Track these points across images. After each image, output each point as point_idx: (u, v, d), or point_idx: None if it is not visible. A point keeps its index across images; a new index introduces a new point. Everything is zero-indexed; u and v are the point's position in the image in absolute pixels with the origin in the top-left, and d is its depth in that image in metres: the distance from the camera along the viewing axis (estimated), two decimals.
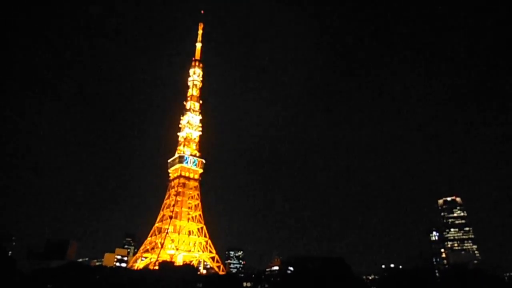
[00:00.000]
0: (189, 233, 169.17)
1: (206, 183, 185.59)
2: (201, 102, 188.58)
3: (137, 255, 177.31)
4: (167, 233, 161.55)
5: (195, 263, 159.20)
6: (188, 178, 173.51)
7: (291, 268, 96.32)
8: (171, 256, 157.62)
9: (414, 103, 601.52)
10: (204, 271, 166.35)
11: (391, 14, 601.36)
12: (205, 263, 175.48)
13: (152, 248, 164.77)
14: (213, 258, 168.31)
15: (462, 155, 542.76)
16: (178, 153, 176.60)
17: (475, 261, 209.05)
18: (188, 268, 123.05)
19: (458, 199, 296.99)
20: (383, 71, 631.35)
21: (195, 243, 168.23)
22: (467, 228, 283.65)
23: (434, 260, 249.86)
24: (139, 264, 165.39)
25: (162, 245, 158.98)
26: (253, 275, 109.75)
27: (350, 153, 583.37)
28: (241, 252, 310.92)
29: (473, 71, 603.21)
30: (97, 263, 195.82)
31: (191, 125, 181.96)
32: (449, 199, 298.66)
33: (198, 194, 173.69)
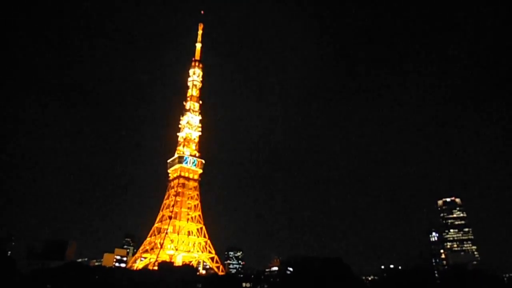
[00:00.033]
0: (189, 233, 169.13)
1: (206, 184, 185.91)
2: (201, 102, 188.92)
3: (137, 255, 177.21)
4: (166, 233, 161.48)
5: (194, 263, 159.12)
6: (187, 179, 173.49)
7: (291, 269, 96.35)
8: (171, 256, 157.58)
9: (414, 103, 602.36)
10: (204, 272, 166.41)
11: (391, 14, 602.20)
12: (205, 263, 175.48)
13: (152, 249, 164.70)
14: (212, 259, 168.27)
15: (462, 155, 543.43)
16: (177, 154, 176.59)
17: (475, 262, 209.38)
18: (188, 269, 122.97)
19: (457, 199, 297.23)
20: (383, 71, 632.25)
21: (194, 243, 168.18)
22: (466, 229, 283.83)
23: (433, 260, 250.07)
24: (139, 265, 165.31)
25: (161, 245, 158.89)
26: (252, 276, 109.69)
27: (350, 153, 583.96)
28: (241, 252, 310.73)
29: (473, 71, 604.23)
30: (97, 263, 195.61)
31: (190, 125, 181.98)
32: (448, 199, 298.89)
33: (197, 195, 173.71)
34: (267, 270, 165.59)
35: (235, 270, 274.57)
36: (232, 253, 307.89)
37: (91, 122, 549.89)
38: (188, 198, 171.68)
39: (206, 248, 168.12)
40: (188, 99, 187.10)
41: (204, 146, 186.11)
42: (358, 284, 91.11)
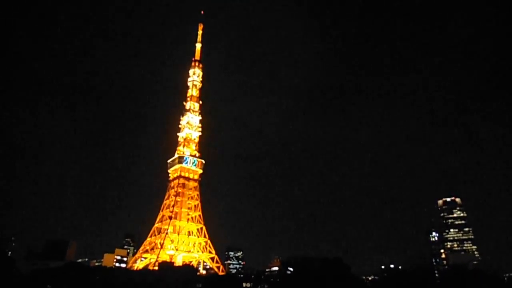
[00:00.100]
0: (189, 233, 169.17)
1: (206, 184, 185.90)
2: (201, 102, 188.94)
3: (137, 255, 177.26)
4: (166, 233, 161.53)
5: (194, 263, 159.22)
6: (187, 179, 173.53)
7: (291, 269, 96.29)
8: (171, 256, 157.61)
9: (414, 103, 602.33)
10: (204, 272, 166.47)
11: (391, 14, 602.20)
12: (205, 263, 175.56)
13: (152, 249, 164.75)
14: (212, 259, 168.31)
15: (462, 155, 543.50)
16: (177, 154, 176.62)
17: (475, 262, 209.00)
18: (188, 269, 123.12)
19: (457, 199, 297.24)
20: (383, 70, 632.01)
21: (194, 243, 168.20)
22: (466, 229, 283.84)
23: (433, 260, 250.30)
24: (139, 265, 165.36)
25: (161, 245, 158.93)
26: (252, 276, 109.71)
27: (350, 154, 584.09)
28: (241, 252, 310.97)
29: (473, 71, 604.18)
30: (97, 264, 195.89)
31: (190, 125, 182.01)
32: (448, 199, 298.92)
33: (197, 195, 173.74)
34: (267, 270, 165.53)
35: (235, 270, 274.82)
36: (232, 253, 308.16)
37: (92, 122, 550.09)
38: (188, 198, 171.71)
39: (206, 248, 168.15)
40: (188, 99, 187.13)
41: (204, 146, 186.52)
42: (358, 284, 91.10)
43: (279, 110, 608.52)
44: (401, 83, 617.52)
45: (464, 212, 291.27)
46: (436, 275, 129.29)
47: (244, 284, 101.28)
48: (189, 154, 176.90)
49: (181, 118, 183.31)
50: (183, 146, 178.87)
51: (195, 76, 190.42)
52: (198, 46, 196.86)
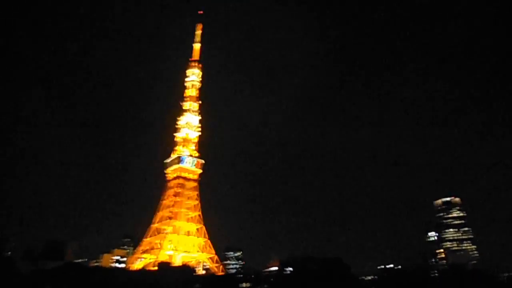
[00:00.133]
0: (188, 233, 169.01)
1: (205, 184, 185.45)
2: (199, 102, 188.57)
3: (136, 255, 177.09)
4: (165, 233, 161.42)
5: (193, 263, 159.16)
6: (186, 179, 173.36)
7: (290, 269, 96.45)
8: (170, 256, 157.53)
9: (413, 102, 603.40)
10: (203, 272, 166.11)
11: (391, 14, 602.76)
12: (204, 263, 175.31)
13: (151, 249, 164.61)
14: (211, 259, 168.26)
15: (461, 155, 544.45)
16: (176, 154, 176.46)
17: (474, 262, 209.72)
18: (187, 269, 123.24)
19: (456, 199, 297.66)
20: (382, 70, 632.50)
21: (193, 243, 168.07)
22: (465, 229, 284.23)
23: (432, 260, 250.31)
24: (138, 265, 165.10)
25: (160, 245, 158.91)
26: (252, 276, 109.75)
27: (349, 153, 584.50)
28: (240, 252, 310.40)
29: (473, 71, 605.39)
30: (96, 264, 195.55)
31: (189, 125, 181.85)
32: (447, 199, 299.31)
33: (196, 195, 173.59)
34: (266, 270, 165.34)
35: (234, 270, 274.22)
36: (231, 253, 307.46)
37: (90, 122, 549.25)
38: (187, 198, 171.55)
39: (205, 248, 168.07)
40: (187, 99, 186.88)
41: (203, 146, 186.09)
42: (357, 284, 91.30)
43: (278, 110, 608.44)
44: (399, 83, 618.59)
45: (463, 212, 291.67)
46: (435, 275, 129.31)
47: (243, 284, 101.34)
48: (187, 154, 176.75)
49: (180, 118, 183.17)
50: (182, 146, 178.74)
51: (193, 76, 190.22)
52: (197, 46, 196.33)
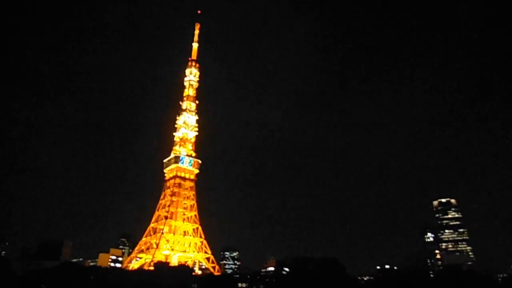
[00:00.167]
0: (184, 233, 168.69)
1: (202, 184, 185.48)
2: (197, 102, 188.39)
3: (132, 255, 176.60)
4: (162, 233, 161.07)
5: (190, 263, 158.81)
6: (183, 179, 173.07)
7: (287, 269, 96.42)
8: (166, 256, 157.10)
9: (411, 104, 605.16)
10: (200, 272, 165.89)
11: (390, 14, 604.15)
12: (200, 263, 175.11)
13: (147, 249, 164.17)
14: (208, 259, 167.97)
15: (457, 156, 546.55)
16: (174, 153, 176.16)
17: (469, 262, 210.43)
18: (183, 269, 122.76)
19: (453, 200, 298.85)
20: (381, 71, 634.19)
21: (190, 243, 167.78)
22: (461, 230, 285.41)
23: (428, 261, 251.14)
24: (134, 265, 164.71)
25: (157, 245, 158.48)
26: (248, 276, 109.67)
27: (347, 154, 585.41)
28: (237, 252, 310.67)
29: (471, 73, 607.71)
30: (92, 264, 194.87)
31: (187, 125, 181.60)
32: (444, 200, 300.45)
33: (193, 195, 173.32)
34: (263, 270, 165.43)
35: (231, 270, 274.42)
36: (228, 253, 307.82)
37: (87, 122, 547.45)
38: (184, 198, 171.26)
39: (202, 248, 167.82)
40: (185, 99, 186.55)
41: (201, 146, 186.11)
42: (354, 284, 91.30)
43: (278, 110, 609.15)
44: (398, 84, 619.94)
45: (459, 213, 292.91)
46: (431, 275, 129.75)
47: (239, 284, 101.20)
48: (185, 154, 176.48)
49: (178, 117, 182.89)
50: (180, 146, 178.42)
51: (191, 75, 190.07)
52: (195, 45, 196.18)
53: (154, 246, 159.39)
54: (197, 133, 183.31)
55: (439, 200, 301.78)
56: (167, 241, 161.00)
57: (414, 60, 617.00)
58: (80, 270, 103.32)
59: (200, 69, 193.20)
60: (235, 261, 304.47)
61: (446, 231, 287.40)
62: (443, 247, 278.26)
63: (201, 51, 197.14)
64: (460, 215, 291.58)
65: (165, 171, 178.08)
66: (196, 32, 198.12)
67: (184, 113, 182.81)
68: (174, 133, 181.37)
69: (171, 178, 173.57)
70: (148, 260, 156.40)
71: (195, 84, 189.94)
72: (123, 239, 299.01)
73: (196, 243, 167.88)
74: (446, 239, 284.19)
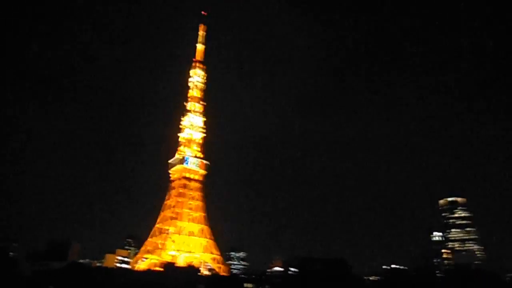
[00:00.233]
0: (191, 234, 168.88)
1: (208, 184, 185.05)
2: (202, 103, 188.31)
3: (138, 256, 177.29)
4: (168, 234, 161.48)
5: (196, 264, 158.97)
6: (189, 179, 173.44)
7: (293, 269, 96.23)
8: (173, 257, 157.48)
9: (418, 101, 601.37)
10: (206, 272, 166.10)
11: (392, 13, 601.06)
12: (207, 264, 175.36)
13: (154, 249, 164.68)
14: (214, 259, 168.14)
15: (465, 154, 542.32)
16: (179, 154, 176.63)
17: (477, 262, 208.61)
18: (190, 269, 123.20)
19: (460, 199, 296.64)
20: (385, 69, 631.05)
21: (196, 244, 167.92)
22: (469, 229, 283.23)
23: (436, 260, 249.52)
24: (140, 265, 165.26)
25: (163, 246, 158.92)
26: (254, 276, 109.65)
27: (352, 154, 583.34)
28: (243, 253, 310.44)
29: (477, 69, 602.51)
30: (98, 264, 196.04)
31: (192, 126, 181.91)
32: (451, 199, 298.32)
33: (199, 195, 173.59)
34: (269, 270, 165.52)
35: (237, 271, 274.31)
36: (234, 253, 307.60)
37: (93, 122, 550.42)
38: (190, 199, 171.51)
39: (208, 248, 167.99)
40: (189, 99, 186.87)
41: (207, 147, 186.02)
42: (360, 284, 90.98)
43: (282, 110, 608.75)
44: (404, 82, 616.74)
45: (467, 212, 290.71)
46: (438, 275, 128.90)
47: (246, 285, 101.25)
48: (190, 154, 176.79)
49: (182, 118, 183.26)
50: (185, 147, 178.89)
51: (196, 76, 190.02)
52: (199, 46, 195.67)
53: (160, 246, 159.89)
54: (204, 134, 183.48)
55: (446, 199, 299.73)
56: (173, 241, 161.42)
57: (420, 57, 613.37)
58: (87, 270, 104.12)
59: (205, 70, 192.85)
60: (242, 261, 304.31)
61: (454, 230, 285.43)
62: (451, 246, 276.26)
63: (207, 51, 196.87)
64: (467, 214, 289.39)
65: (170, 171, 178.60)
66: (201, 33, 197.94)
67: (189, 114, 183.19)
68: (179, 134, 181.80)
69: (177, 179, 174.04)
70: (154, 261, 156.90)
71: (200, 85, 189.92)
72: (129, 240, 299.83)
73: (202, 244, 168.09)
74: (454, 238, 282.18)
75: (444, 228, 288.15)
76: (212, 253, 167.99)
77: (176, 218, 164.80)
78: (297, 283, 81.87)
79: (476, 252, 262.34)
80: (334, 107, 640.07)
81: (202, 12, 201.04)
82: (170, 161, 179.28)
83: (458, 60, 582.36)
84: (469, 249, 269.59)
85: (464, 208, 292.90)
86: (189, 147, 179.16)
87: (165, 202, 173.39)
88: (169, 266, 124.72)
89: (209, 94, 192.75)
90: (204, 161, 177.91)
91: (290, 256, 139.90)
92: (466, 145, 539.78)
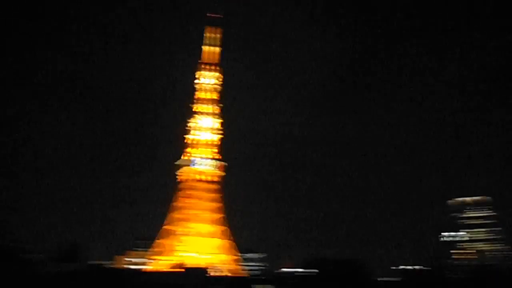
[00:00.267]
0: (201, 235, 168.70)
1: (225, 185, 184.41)
2: (211, 104, 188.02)
3: (148, 257, 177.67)
4: (178, 235, 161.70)
5: (208, 265, 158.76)
6: (199, 181, 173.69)
7: (308, 270, 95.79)
8: (183, 258, 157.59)
9: (428, 100, 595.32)
10: (217, 274, 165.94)
11: (392, 13, 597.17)
12: (219, 265, 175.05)
13: (164, 251, 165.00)
14: (226, 261, 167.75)
15: (475, 154, 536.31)
16: (185, 156, 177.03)
17: (490, 263, 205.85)
18: (200, 271, 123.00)
19: (468, 199, 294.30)
20: (395, 69, 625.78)
21: (207, 245, 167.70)
22: (479, 229, 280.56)
23: (447, 261, 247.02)
24: (150, 267, 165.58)
25: (173, 247, 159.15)
26: (268, 278, 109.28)
27: (366, 152, 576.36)
28: (258, 254, 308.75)
29: (487, 63, 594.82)
30: (108, 266, 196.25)
31: (200, 127, 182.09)
32: (460, 199, 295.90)
33: (209, 196, 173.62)
34: (283, 271, 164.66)
35: (252, 272, 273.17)
36: (249, 254, 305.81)
37: (103, 123, 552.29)
38: (201, 200, 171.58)
39: (219, 249, 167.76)
40: (195, 101, 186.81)
41: (219, 148, 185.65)
42: (375, 285, 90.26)
43: (293, 111, 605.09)
44: (414, 81, 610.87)
45: (477, 212, 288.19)
46: (453, 276, 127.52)
47: (260, 286, 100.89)
48: (198, 156, 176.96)
49: (190, 120, 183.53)
50: (193, 148, 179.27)
51: (202, 78, 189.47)
52: (205, 48, 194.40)
53: (170, 248, 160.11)
54: (213, 135, 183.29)
55: (456, 199, 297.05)
56: (183, 242, 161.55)
57: (432, 56, 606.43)
58: (97, 272, 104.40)
59: (221, 72, 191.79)
60: (257, 263, 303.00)
61: (464, 230, 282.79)
62: (461, 247, 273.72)
63: (222, 54, 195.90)
64: (477, 214, 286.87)
65: (179, 173, 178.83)
66: (207, 35, 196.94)
67: (195, 115, 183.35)
68: (185, 136, 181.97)
69: (186, 180, 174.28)
70: (164, 262, 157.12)
71: (208, 87, 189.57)
72: (140, 242, 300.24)
73: (213, 245, 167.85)
74: (464, 239, 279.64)
75: (455, 228, 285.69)
76: (224, 254, 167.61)
77: (183, 219, 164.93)
78: (312, 284, 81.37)
79: (485, 253, 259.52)
80: (350, 107, 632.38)
81: (216, 15, 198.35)
82: (176, 162, 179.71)
83: (458, 60, 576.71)
84: (481, 249, 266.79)
85: (474, 208, 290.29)
86: (196, 148, 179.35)
87: (175, 203, 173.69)
88: (178, 268, 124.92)
89: (222, 96, 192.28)
90: (215, 162, 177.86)
91: (306, 257, 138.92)
92: (477, 144, 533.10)
